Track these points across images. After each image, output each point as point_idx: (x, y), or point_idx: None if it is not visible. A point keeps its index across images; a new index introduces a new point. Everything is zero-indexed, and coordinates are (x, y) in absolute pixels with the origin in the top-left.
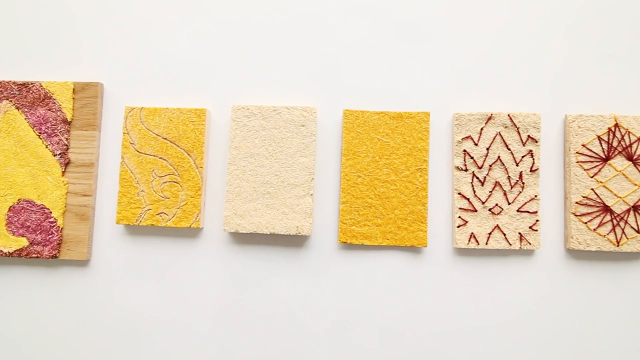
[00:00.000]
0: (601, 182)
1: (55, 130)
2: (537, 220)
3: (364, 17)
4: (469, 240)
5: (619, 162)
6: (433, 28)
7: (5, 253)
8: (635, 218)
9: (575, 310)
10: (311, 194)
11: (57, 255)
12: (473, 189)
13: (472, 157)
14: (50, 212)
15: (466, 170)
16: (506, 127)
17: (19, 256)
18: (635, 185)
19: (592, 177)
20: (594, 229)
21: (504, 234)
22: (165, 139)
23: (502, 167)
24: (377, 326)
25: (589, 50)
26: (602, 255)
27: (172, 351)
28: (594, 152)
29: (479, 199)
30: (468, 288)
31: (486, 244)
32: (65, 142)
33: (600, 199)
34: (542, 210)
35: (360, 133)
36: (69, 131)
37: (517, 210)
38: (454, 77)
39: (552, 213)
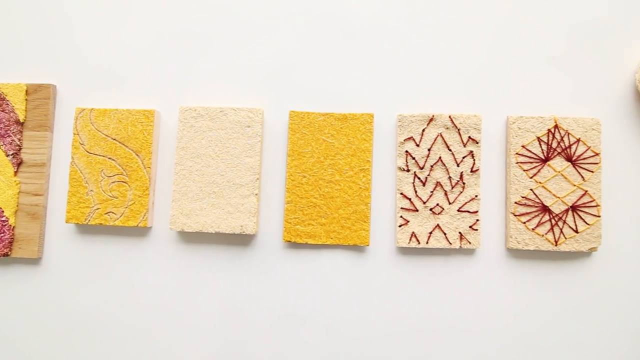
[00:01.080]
0: (540, 182)
1: (8, 131)
2: (477, 220)
3: (310, 19)
4: (410, 240)
5: (558, 163)
6: (377, 31)
7: None
8: (574, 218)
9: (514, 309)
10: (256, 194)
11: (9, 253)
12: (415, 189)
13: (413, 158)
14: (3, 211)
15: (408, 170)
16: (447, 128)
17: None
18: (574, 185)
19: (531, 177)
20: (533, 229)
21: (445, 234)
22: (115, 139)
23: (443, 167)
24: (321, 324)
25: (531, 53)
26: (540, 255)
27: (122, 349)
28: (533, 153)
29: (420, 199)
30: (410, 286)
31: (427, 243)
32: (18, 143)
33: (539, 199)
34: (483, 210)
35: (306, 134)
36: (21, 132)
37: (458, 210)
38: (398, 79)
39: (493, 213)
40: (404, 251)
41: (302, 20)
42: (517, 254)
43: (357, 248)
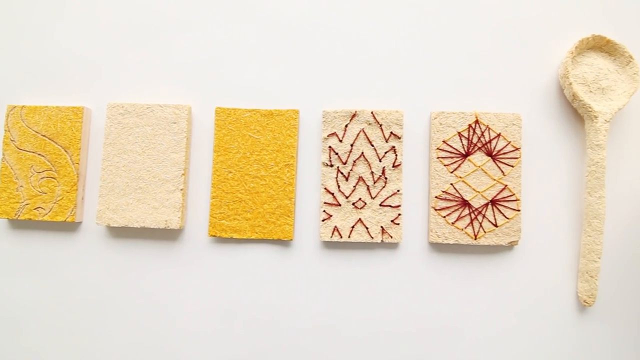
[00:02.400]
0: (460, 177)
1: None
2: (399, 214)
3: (237, 17)
4: (333, 234)
5: (479, 157)
6: (303, 28)
7: None
8: (493, 212)
9: (436, 302)
10: (181, 189)
11: None
12: (338, 184)
13: (337, 153)
14: None
15: (331, 165)
16: (370, 124)
17: None
18: (494, 180)
19: (452, 172)
20: (452, 223)
21: (367, 228)
22: (44, 136)
23: (366, 162)
24: (246, 317)
25: (455, 49)
26: (461, 248)
27: (52, 344)
28: (454, 148)
29: (343, 193)
30: (334, 280)
31: (349, 237)
32: None
33: (459, 193)
34: (406, 204)
35: (232, 130)
36: None
37: (380, 205)
38: (324, 76)
39: (416, 207)
40: (328, 245)
41: (229, 18)
42: (439, 247)
43: (282, 242)
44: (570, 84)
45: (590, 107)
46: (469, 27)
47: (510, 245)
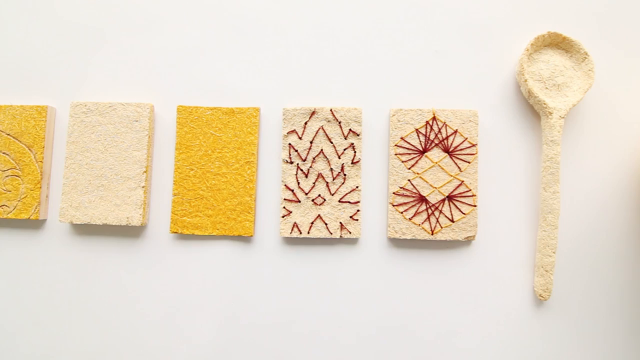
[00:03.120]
0: (418, 173)
1: None
2: (357, 210)
3: (198, 16)
4: (292, 230)
5: (436, 154)
6: (264, 26)
7: None
8: (450, 208)
9: (395, 297)
10: (143, 186)
11: None
12: (297, 180)
13: (296, 150)
14: None
15: (291, 162)
16: (329, 121)
17: None
18: (451, 176)
19: (409, 168)
20: (410, 219)
21: (326, 224)
22: (9, 134)
23: (325, 159)
24: (207, 313)
25: (415, 47)
26: (419, 244)
27: (14, 341)
28: (411, 144)
29: (303, 190)
30: (294, 275)
31: (308, 233)
32: None
33: (417, 189)
34: (365, 201)
35: (194, 128)
36: None
37: (339, 201)
38: (285, 74)
39: (375, 203)
40: (288, 241)
41: (191, 17)
42: (397, 243)
43: (242, 238)
44: (526, 80)
45: (545, 104)
46: (427, 26)
47: (467, 240)
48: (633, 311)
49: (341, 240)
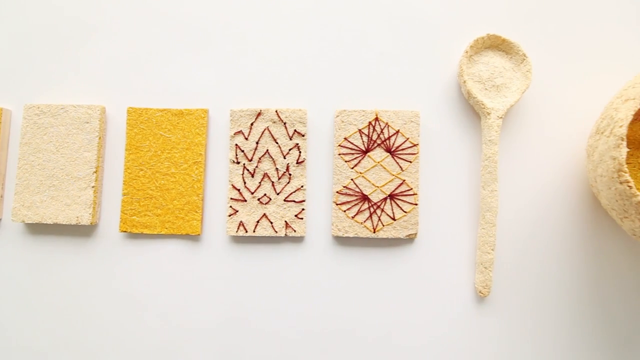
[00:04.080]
0: (360, 172)
1: None
2: (302, 209)
3: (148, 19)
4: (238, 228)
5: (378, 153)
6: (211, 29)
7: None
8: (392, 206)
9: (340, 294)
10: (92, 186)
11: None
12: (244, 180)
13: (242, 151)
14: None
15: (238, 163)
16: (274, 122)
17: None
18: (392, 175)
19: (352, 168)
20: (352, 217)
21: (271, 222)
22: None
23: (271, 159)
24: (156, 311)
25: (361, 49)
26: (362, 242)
27: None
28: (355, 144)
29: (249, 189)
30: (242, 273)
31: (254, 231)
32: None
33: (359, 188)
34: (311, 200)
35: (144, 129)
36: None
37: (284, 200)
38: (233, 75)
39: (320, 202)
40: (236, 239)
41: (141, 19)
42: (341, 241)
43: (190, 237)
44: (465, 82)
45: (483, 104)
46: (372, 28)
47: (409, 238)
48: (571, 306)
49: (287, 239)
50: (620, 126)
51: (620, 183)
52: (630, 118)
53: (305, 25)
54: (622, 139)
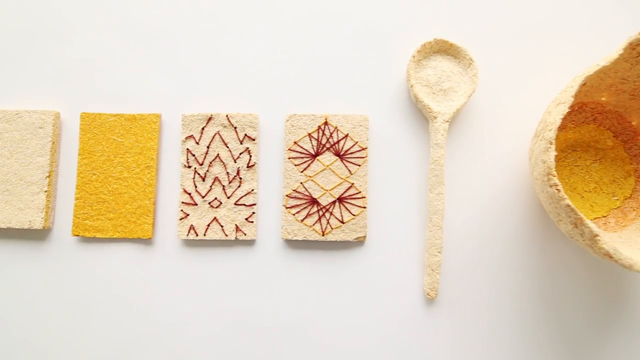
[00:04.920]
0: (310, 176)
1: None
2: (253, 213)
3: (102, 24)
4: (189, 232)
5: (328, 157)
6: (163, 35)
7: None
8: (340, 210)
9: (290, 297)
10: (45, 191)
11: None
12: (195, 184)
13: (194, 155)
14: None
15: (189, 167)
16: (225, 126)
17: None
18: (341, 179)
19: (302, 171)
20: (302, 220)
21: (222, 226)
22: None
23: (222, 163)
24: (107, 314)
25: (313, 54)
26: (312, 245)
27: None
28: (304, 148)
29: (200, 193)
30: (193, 277)
31: (204, 235)
32: None
33: (308, 192)
34: (262, 203)
35: (97, 134)
36: None
37: (235, 204)
38: (186, 81)
39: (271, 206)
40: (188, 243)
41: (94, 25)
42: (293, 244)
43: (143, 241)
44: (412, 86)
45: (429, 108)
46: (323, 33)
47: (358, 241)
48: (518, 307)
49: (238, 242)
50: (550, 130)
51: (550, 186)
52: (558, 122)
53: (257, 31)
54: (551, 143)
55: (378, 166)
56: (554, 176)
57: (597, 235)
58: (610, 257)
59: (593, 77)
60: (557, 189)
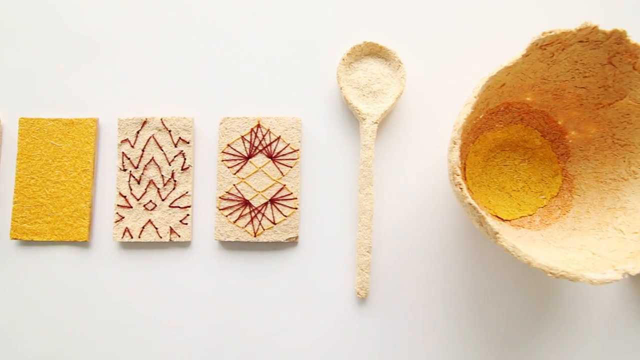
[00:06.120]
0: (242, 178)
1: None
2: (187, 215)
3: (40, 30)
4: (124, 234)
5: (260, 159)
6: (103, 40)
7: None
8: (272, 211)
9: (224, 298)
10: None
11: None
12: (130, 187)
13: (129, 158)
14: None
15: (125, 170)
16: (159, 130)
17: None
18: (273, 180)
19: (235, 174)
20: (234, 222)
21: (156, 228)
22: None
23: (156, 166)
24: (46, 314)
25: (249, 58)
26: (246, 246)
27: None
28: (237, 151)
29: (135, 196)
30: (129, 279)
31: (139, 237)
32: None
33: (241, 193)
34: (197, 205)
35: (36, 139)
36: None
37: (169, 206)
38: (124, 85)
39: (206, 208)
40: (125, 245)
41: (32, 30)
42: (227, 245)
43: (80, 243)
44: (342, 88)
45: (358, 110)
46: (256, 37)
47: (290, 242)
48: (449, 305)
49: (174, 244)
50: (455, 130)
51: (455, 185)
52: (462, 122)
53: (191, 36)
54: (455, 143)
55: (311, 168)
56: (458, 175)
57: (497, 233)
58: (510, 253)
59: (506, 78)
60: (460, 188)
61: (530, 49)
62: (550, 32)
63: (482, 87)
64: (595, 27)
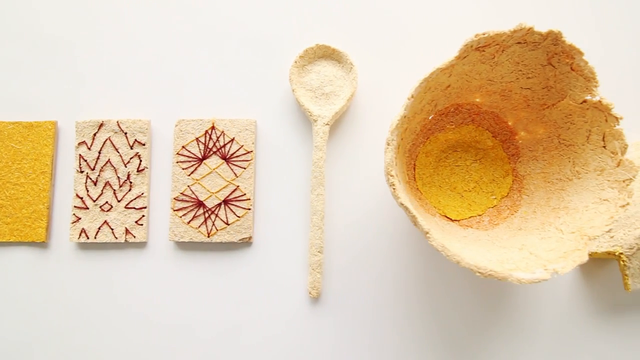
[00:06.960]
0: (196, 179)
1: None
2: (143, 216)
3: (0, 34)
4: (80, 235)
5: (214, 161)
6: (61, 44)
7: None
8: (225, 212)
9: (180, 297)
10: None
11: None
12: (87, 188)
13: (85, 160)
14: None
15: (82, 172)
16: (116, 132)
17: None
18: (227, 181)
19: (189, 175)
20: (188, 222)
21: (112, 229)
22: None
23: (112, 168)
24: (7, 317)
25: (201, 61)
26: (201, 246)
27: None
28: (192, 152)
29: (91, 197)
30: (86, 279)
31: (95, 238)
32: None
33: (195, 195)
34: (153, 206)
35: None
36: None
37: (125, 207)
38: (82, 88)
39: (161, 209)
40: (82, 246)
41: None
42: (182, 246)
43: (38, 244)
44: (294, 90)
45: (310, 112)
46: (212, 39)
47: (244, 242)
48: (400, 305)
49: (130, 245)
50: (389, 131)
51: (389, 185)
52: (395, 123)
53: (148, 38)
54: (388, 144)
55: (265, 169)
56: (392, 176)
57: (427, 233)
58: (440, 252)
59: (449, 79)
60: (393, 188)
61: (464, 51)
62: (484, 34)
63: (415, 88)
64: (530, 29)
